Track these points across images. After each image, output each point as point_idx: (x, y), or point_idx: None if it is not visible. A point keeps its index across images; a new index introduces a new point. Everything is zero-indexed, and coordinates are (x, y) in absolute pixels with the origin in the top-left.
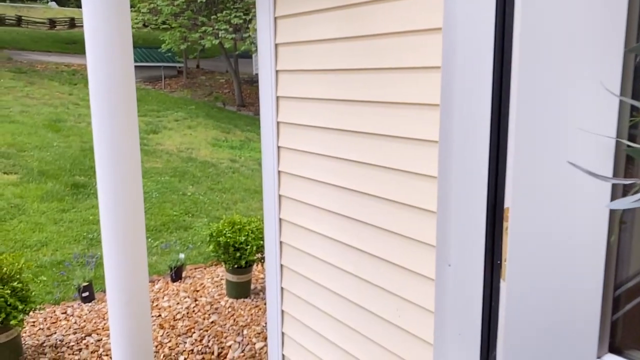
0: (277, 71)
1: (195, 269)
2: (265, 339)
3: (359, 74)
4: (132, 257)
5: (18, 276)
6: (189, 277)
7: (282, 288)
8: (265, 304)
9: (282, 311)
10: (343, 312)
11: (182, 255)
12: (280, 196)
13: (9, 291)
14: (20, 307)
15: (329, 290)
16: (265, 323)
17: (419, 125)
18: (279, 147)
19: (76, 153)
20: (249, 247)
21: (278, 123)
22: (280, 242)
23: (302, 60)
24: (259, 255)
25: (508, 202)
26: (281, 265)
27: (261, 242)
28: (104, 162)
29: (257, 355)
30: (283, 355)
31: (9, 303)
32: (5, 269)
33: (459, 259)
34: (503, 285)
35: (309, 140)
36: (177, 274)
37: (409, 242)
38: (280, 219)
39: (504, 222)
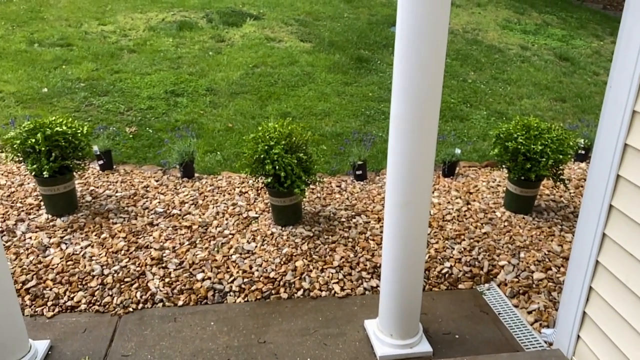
0: None
1: (469, 167)
2: (546, 269)
3: None
4: (418, 149)
5: (304, 147)
6: (462, 175)
7: (603, 234)
8: (549, 227)
9: (597, 262)
10: None
11: (458, 151)
12: (634, 112)
13: (295, 160)
14: (303, 177)
15: None
16: (548, 251)
17: None
18: None
19: (363, 26)
20: (544, 159)
21: None
22: (617, 176)
23: None
24: (554, 170)
25: None
26: (610, 206)
27: (560, 155)
28: (404, 37)
29: (534, 286)
30: (584, 313)
31: (294, 172)
32: (294, 138)
33: None
34: None
35: None
36: (449, 170)
37: None
38: (625, 145)
39: None
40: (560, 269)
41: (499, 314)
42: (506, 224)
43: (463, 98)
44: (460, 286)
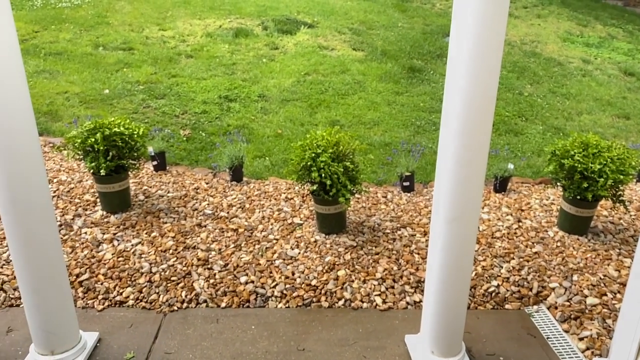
0: None
1: (522, 183)
2: (601, 295)
3: None
4: (468, 163)
5: (351, 156)
6: (514, 191)
7: None
8: (606, 250)
9: None
10: None
11: (511, 166)
12: None
13: (341, 169)
14: (349, 186)
15: None
16: (604, 275)
17: None
18: None
19: (417, 35)
20: (602, 179)
21: None
22: None
23: None
24: (613, 191)
25: None
26: None
27: (620, 175)
28: (458, 48)
29: (587, 311)
30: None
31: (340, 180)
32: (342, 147)
33: None
34: None
35: None
36: (501, 185)
37: None
38: None
39: None
40: (617, 295)
41: (548, 338)
42: (559, 244)
43: (518, 112)
44: (507, 306)
